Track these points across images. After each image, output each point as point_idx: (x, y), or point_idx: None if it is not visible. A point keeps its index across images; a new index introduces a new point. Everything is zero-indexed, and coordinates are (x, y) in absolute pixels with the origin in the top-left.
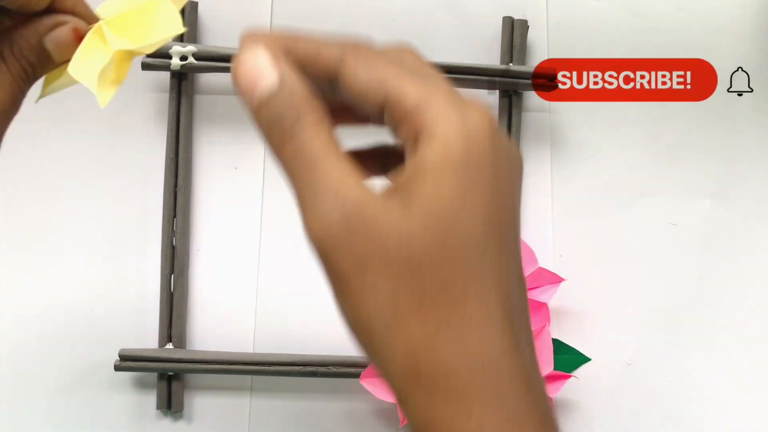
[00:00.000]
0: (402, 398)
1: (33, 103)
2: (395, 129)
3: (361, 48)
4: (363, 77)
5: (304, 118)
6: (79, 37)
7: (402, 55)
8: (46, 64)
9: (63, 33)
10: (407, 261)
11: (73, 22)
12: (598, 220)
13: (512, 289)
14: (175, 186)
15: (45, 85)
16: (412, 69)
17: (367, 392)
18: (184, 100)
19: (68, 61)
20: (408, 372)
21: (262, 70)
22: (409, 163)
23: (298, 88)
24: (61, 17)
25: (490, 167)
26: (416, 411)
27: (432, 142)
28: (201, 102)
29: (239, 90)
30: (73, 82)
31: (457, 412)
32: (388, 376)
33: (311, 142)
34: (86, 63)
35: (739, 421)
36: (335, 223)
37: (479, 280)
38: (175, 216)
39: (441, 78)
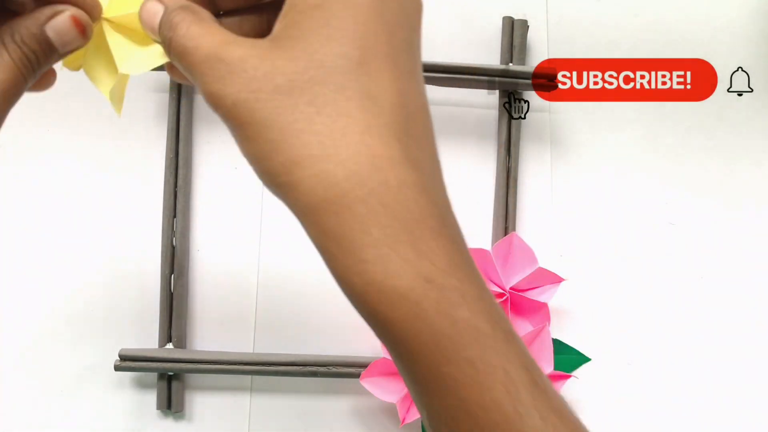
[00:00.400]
0: (305, 223)
1: (48, 104)
2: None
3: None
4: None
5: (181, 22)
6: (78, 24)
7: None
8: (48, 52)
9: (62, 21)
10: (275, 92)
11: (71, 10)
12: (598, 220)
13: (401, 105)
14: (175, 186)
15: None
16: None
17: (366, 392)
18: (184, 100)
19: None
20: (341, 212)
21: (153, 11)
22: (287, 8)
23: (175, 5)
24: (60, 6)
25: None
26: (314, 232)
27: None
28: (201, 102)
29: (147, 28)
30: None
31: (350, 226)
32: (291, 207)
33: (189, 37)
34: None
35: (739, 421)
36: (212, 80)
37: (354, 97)
38: (175, 216)
39: None
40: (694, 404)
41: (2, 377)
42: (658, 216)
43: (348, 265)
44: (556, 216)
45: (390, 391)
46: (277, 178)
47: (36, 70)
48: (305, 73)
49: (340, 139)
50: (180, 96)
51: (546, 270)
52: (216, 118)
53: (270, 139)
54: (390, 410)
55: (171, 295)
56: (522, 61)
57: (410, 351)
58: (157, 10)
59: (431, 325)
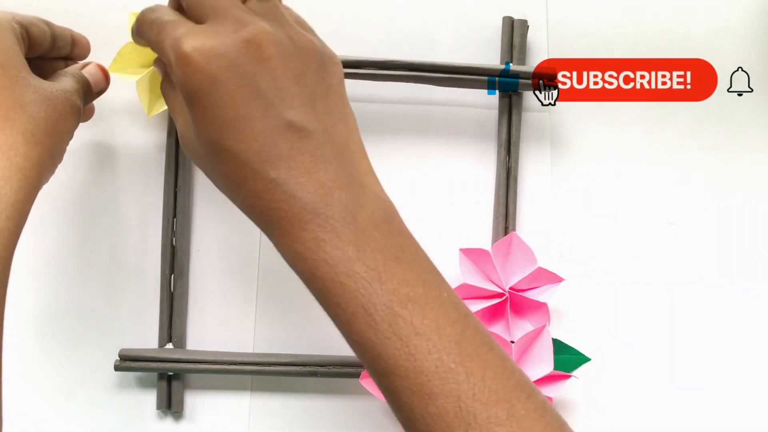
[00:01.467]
0: (268, 237)
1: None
2: None
3: (140, 21)
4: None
5: (161, 22)
6: (103, 71)
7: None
8: (88, 90)
9: (92, 67)
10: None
11: (94, 62)
12: (598, 220)
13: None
14: (175, 186)
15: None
16: (158, 29)
17: (366, 392)
18: None
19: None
20: (260, 219)
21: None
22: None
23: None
24: (87, 60)
25: (208, 90)
26: (276, 245)
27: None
28: None
29: (140, 32)
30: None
31: (304, 245)
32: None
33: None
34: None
35: (739, 421)
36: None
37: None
38: (175, 216)
39: (170, 30)
40: (694, 404)
41: (2, 376)
42: (658, 216)
43: (276, 246)
44: (556, 216)
45: None
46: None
47: (85, 99)
48: (202, 147)
49: (235, 188)
50: None
51: (546, 270)
52: None
53: (213, 182)
54: (390, 410)
55: (171, 294)
56: (522, 61)
57: (317, 300)
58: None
59: (311, 284)
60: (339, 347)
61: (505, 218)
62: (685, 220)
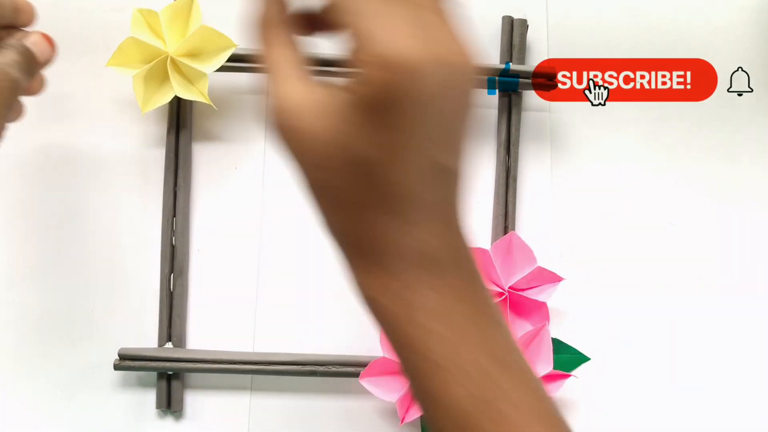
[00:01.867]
0: (351, 267)
1: (48, 105)
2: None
3: None
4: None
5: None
6: (47, 39)
7: None
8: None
9: (37, 38)
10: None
11: (37, 31)
12: (598, 220)
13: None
14: (175, 185)
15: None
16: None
17: (366, 392)
18: (184, 100)
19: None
20: (354, 245)
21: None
22: (349, 87)
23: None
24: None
25: (406, 95)
26: (363, 277)
27: (360, 87)
28: (202, 102)
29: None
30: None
31: (406, 286)
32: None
33: (274, 60)
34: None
35: (739, 421)
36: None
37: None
38: (174, 215)
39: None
40: (694, 404)
41: (2, 377)
42: (658, 216)
43: (357, 279)
44: (556, 216)
45: (390, 390)
46: (323, 218)
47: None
48: (343, 147)
49: (353, 197)
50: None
51: (545, 269)
52: (216, 118)
53: (316, 185)
54: (390, 410)
55: (171, 294)
56: (522, 60)
57: (393, 346)
58: None
59: (403, 330)
60: (339, 347)
61: (505, 218)
62: (685, 220)
